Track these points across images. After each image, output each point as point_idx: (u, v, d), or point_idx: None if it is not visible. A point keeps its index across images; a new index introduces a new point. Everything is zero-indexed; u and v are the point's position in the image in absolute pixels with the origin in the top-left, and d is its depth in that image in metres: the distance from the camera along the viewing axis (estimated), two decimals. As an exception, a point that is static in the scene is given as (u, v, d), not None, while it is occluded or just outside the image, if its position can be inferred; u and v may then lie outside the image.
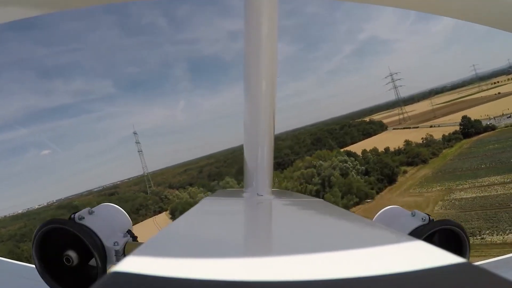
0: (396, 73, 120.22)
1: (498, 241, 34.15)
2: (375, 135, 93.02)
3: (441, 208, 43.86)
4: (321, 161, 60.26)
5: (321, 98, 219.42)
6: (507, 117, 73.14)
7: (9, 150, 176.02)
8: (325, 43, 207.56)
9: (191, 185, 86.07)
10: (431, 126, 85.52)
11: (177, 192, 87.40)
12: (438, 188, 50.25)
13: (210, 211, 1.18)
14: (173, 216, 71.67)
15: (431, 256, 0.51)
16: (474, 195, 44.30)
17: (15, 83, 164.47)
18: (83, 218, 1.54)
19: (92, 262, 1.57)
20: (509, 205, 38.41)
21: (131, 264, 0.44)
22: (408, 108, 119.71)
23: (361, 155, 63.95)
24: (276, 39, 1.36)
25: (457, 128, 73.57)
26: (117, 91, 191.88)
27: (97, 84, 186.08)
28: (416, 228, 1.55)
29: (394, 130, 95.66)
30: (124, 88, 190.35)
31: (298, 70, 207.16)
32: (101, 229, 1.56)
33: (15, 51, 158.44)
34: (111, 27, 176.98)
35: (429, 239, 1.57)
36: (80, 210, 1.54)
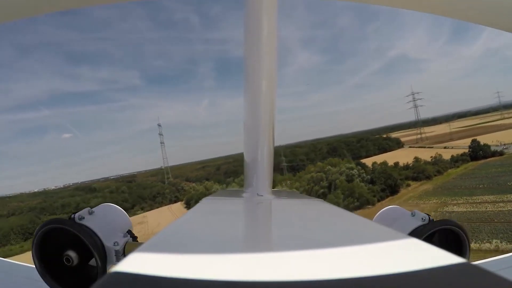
0: (417, 93, 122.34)
1: (474, 248, 37.75)
2: (390, 151, 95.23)
3: (432, 216, 46.58)
4: (330, 167, 64.78)
5: (344, 111, 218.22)
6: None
7: (30, 129, 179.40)
8: (353, 57, 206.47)
9: (207, 179, 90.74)
10: (445, 147, 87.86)
11: (193, 184, 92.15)
12: (434, 201, 54.46)
13: (210, 211, 1.21)
14: (188, 205, 76.08)
15: (431, 256, 0.51)
16: (465, 209, 48.30)
17: (43, 65, 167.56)
18: (83, 218, 1.57)
19: (92, 262, 1.61)
20: (493, 220, 42.33)
21: (131, 264, 0.45)
22: (428, 129, 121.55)
23: (370, 166, 68.25)
24: (276, 39, 1.42)
25: (467, 150, 77.00)
26: (143, 83, 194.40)
27: (123, 74, 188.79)
28: (416, 228, 1.58)
29: (409, 148, 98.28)
30: (150, 80, 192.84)
31: (323, 82, 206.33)
32: (101, 229, 1.60)
33: (47, 33, 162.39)
34: (143, 19, 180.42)
35: (429, 239, 1.61)
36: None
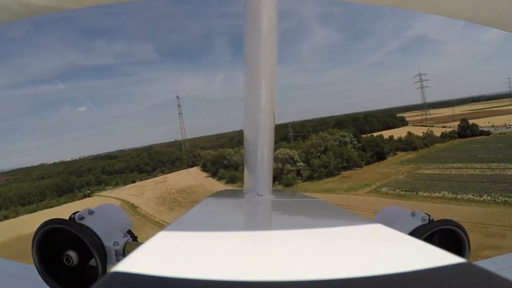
0: (424, 74, 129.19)
1: (425, 195, 48.44)
2: (394, 128, 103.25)
3: (404, 176, 58.70)
4: (327, 135, 75.84)
5: (358, 90, 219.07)
6: (507, 127, 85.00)
7: (46, 103, 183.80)
8: (371, 36, 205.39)
9: (221, 147, 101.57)
10: (443, 127, 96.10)
11: (209, 151, 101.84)
12: (411, 166, 64.67)
13: (211, 211, 1.24)
14: (204, 168, 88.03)
15: (431, 256, 0.52)
16: (432, 172, 58.66)
17: (58, 40, 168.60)
18: (83, 218, 1.58)
19: (92, 262, 1.63)
20: (451, 180, 52.03)
21: (131, 264, 0.46)
22: (437, 111, 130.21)
23: (364, 137, 79.41)
24: (276, 40, 1.44)
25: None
26: (158, 57, 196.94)
27: (138, 49, 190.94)
28: (416, 228, 1.60)
29: (412, 126, 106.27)
30: (165, 55, 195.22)
31: (339, 59, 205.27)
32: (101, 229, 1.60)
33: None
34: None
35: (429, 239, 1.63)
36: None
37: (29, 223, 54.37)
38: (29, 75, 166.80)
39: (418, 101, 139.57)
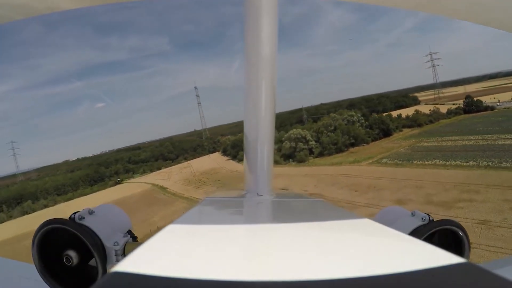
0: (435, 53, 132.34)
1: (419, 163, 54.75)
2: (406, 107, 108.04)
3: (404, 149, 65.19)
4: (336, 115, 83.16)
5: (375, 72, 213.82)
6: (508, 102, 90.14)
7: (64, 102, 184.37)
8: (386, 15, 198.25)
9: (240, 133, 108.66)
10: (453, 104, 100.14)
11: (228, 137, 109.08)
12: (413, 140, 71.08)
13: (211, 211, 1.26)
14: (225, 153, 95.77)
15: (431, 256, 0.53)
16: (431, 144, 65.21)
17: (72, 38, 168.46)
18: (83, 218, 1.60)
19: (92, 262, 1.63)
20: (445, 150, 58.39)
21: (131, 264, 0.47)
22: (451, 89, 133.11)
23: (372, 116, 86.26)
24: (276, 41, 1.45)
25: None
26: (172, 48, 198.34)
27: (152, 42, 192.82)
28: (416, 228, 1.63)
29: (425, 105, 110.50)
30: (180, 46, 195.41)
31: (355, 40, 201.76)
32: (101, 229, 1.62)
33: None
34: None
35: (429, 238, 1.64)
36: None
37: (67, 208, 63.88)
38: (45, 75, 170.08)
39: (433, 80, 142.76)
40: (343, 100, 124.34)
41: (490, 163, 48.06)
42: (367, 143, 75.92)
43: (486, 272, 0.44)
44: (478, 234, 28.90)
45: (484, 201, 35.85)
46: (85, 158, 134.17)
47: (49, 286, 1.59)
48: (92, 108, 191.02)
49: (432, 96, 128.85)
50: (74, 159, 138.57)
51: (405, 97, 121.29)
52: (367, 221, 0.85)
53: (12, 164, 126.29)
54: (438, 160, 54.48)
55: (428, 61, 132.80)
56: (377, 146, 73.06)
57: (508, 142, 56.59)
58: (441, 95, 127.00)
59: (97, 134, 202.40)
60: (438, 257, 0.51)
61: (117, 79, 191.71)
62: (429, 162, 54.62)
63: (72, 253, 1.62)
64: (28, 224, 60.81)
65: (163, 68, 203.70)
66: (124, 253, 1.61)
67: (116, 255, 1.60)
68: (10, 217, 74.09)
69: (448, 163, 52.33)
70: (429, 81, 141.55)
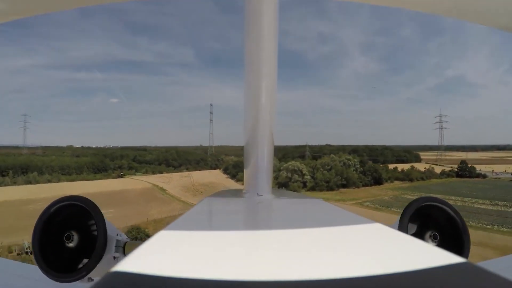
0: (445, 116, 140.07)
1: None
2: (406, 162, 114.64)
3: (388, 197, 72.01)
4: (335, 157, 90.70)
5: (391, 123, 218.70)
6: (499, 173, 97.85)
7: (81, 89, 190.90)
8: (410, 70, 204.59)
9: None
10: (451, 167, 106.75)
11: (232, 157, 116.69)
12: (399, 192, 77.86)
13: (211, 211, 1.27)
14: (226, 172, 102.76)
15: (431, 256, 0.53)
16: (414, 197, 71.36)
17: (101, 29, 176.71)
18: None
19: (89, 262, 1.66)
20: None
21: (131, 264, 0.47)
22: (455, 153, 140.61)
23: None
24: (276, 42, 1.46)
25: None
26: (196, 62, 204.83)
27: (178, 51, 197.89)
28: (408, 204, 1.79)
29: (425, 163, 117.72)
30: (204, 61, 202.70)
31: (376, 90, 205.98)
32: (108, 221, 1.73)
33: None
34: (208, 0, 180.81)
35: (420, 217, 1.78)
36: None
37: (69, 188, 71.82)
38: (69, 59, 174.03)
39: (445, 141, 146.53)
40: (348, 145, 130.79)
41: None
42: (358, 186, 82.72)
43: (486, 272, 0.44)
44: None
45: None
46: (89, 148, 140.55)
47: (37, 261, 1.63)
48: (106, 101, 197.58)
49: (435, 157, 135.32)
50: (78, 146, 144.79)
51: (407, 153, 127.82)
52: (366, 221, 0.87)
53: (18, 136, 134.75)
54: None
55: (437, 122, 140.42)
56: (365, 191, 79.71)
57: (483, 206, 63.42)
58: (443, 157, 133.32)
59: (105, 127, 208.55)
60: (438, 257, 0.52)
61: (137, 79, 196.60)
62: (381, 213, 60.39)
63: (74, 233, 1.71)
64: (32, 192, 67.98)
65: (183, 78, 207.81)
66: (124, 253, 1.73)
67: (116, 245, 1.74)
68: (14, 183, 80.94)
69: None
70: (436, 141, 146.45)
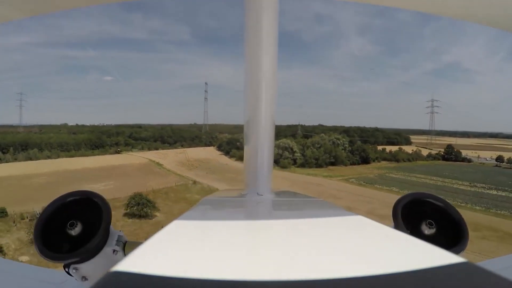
0: (436, 101, 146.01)
1: (380, 187, 67.51)
2: (397, 145, 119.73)
3: (373, 175, 77.15)
4: (325, 136, 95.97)
5: (384, 105, 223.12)
6: (486, 159, 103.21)
7: (74, 67, 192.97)
8: (407, 54, 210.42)
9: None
10: (439, 151, 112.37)
11: (225, 134, 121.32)
12: (385, 171, 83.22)
13: (211, 211, 1.28)
14: (219, 148, 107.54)
15: (431, 256, 0.54)
16: (397, 176, 77.06)
17: (95, 7, 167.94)
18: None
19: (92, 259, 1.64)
20: (407, 183, 70.45)
21: (131, 264, 0.47)
22: (446, 138, 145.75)
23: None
24: (277, 40, 1.46)
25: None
26: (192, 39, 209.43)
27: (174, 28, 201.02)
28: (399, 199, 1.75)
29: (415, 146, 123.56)
30: (199, 38, 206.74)
31: (372, 72, 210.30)
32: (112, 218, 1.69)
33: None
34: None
35: (413, 212, 1.74)
36: None
37: (69, 164, 77.22)
38: (63, 37, 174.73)
39: (439, 127, 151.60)
40: (341, 126, 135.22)
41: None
42: (346, 165, 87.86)
43: (486, 272, 0.44)
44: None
45: None
46: (83, 126, 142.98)
47: (37, 247, 1.57)
48: (100, 79, 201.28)
49: (425, 141, 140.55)
50: (73, 124, 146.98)
51: (398, 135, 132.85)
52: (367, 221, 0.87)
53: (12, 115, 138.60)
54: (394, 188, 65.91)
55: (428, 107, 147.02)
56: (352, 169, 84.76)
57: (462, 187, 68.68)
58: (433, 141, 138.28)
59: (99, 105, 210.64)
60: (438, 257, 0.52)
61: (131, 57, 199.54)
62: (386, 188, 66.26)
63: (78, 223, 1.66)
64: (34, 168, 72.52)
65: (179, 56, 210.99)
66: (124, 253, 1.70)
67: (117, 240, 1.70)
68: (15, 160, 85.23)
69: (401, 191, 63.24)
70: (432, 126, 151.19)
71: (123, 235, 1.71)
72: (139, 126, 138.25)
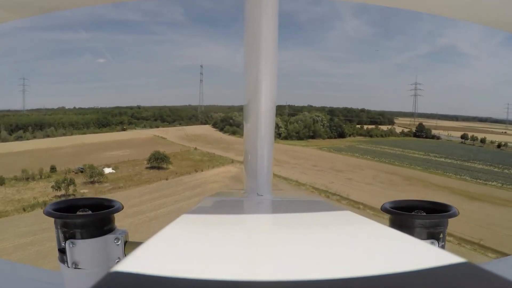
0: (419, 84, 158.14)
1: (349, 155, 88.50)
2: (380, 124, 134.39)
3: (344, 146, 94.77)
4: (306, 113, 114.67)
5: (377, 88, 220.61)
6: (453, 137, 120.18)
7: (66, 50, 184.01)
8: (402, 35, 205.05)
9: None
10: (410, 129, 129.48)
11: (220, 113, 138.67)
12: (355, 143, 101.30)
13: (210, 211, 1.29)
14: (214, 125, 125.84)
15: (431, 256, 0.55)
16: (364, 147, 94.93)
17: None
18: None
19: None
20: (371, 152, 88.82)
21: (131, 264, 0.49)
22: (431, 121, 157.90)
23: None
24: (277, 36, 1.51)
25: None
26: (186, 20, 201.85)
27: (167, 9, 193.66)
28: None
29: (397, 126, 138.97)
30: (193, 19, 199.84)
31: (366, 53, 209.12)
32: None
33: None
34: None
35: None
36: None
37: (87, 138, 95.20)
38: (53, 20, 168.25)
39: (429, 110, 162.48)
40: (329, 107, 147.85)
41: (386, 161, 78.47)
42: (323, 138, 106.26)
43: (486, 272, 0.45)
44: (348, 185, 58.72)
45: (361, 170, 66.54)
46: (81, 108, 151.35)
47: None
48: (93, 62, 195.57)
49: (408, 122, 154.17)
50: (70, 107, 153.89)
51: (381, 116, 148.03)
52: (367, 221, 0.89)
53: (9, 99, 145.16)
54: (357, 154, 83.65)
55: (412, 89, 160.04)
56: (328, 142, 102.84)
57: (415, 155, 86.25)
58: (416, 123, 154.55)
59: (94, 88, 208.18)
60: (438, 257, 0.53)
61: (124, 39, 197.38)
62: (350, 154, 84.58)
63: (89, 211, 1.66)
64: (56, 142, 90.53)
65: (172, 37, 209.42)
66: (124, 253, 1.70)
67: (120, 234, 1.68)
68: (34, 137, 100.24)
69: (361, 156, 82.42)
70: (422, 109, 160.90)
71: (126, 233, 1.74)
72: (138, 107, 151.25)
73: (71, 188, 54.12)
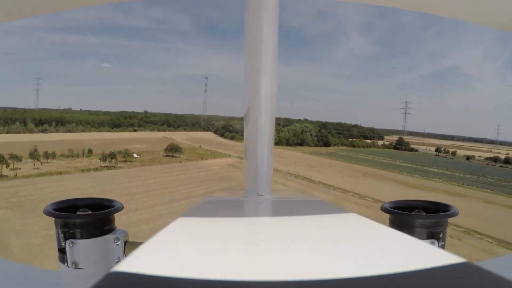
0: (410, 102, 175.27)
1: (327, 158, 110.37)
2: (370, 139, 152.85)
3: (325, 152, 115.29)
4: (296, 124, 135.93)
5: (379, 107, 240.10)
6: (429, 151, 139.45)
7: (73, 52, 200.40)
8: (406, 55, 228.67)
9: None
10: (390, 142, 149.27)
11: (221, 122, 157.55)
12: (336, 151, 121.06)
13: (210, 211, 1.33)
14: (216, 132, 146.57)
15: (431, 256, 0.57)
16: (344, 154, 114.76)
17: None
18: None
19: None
20: (348, 158, 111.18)
21: (131, 264, 0.50)
22: (420, 139, 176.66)
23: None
24: (277, 41, 1.57)
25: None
26: (193, 29, 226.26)
27: (175, 18, 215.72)
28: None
29: (386, 141, 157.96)
30: (201, 29, 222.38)
31: (370, 72, 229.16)
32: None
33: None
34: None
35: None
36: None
37: (106, 135, 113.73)
38: (62, 22, 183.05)
39: (427, 129, 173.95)
40: (325, 122, 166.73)
41: (355, 162, 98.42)
42: (310, 146, 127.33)
43: (486, 272, 0.46)
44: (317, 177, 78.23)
45: (329, 168, 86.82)
46: (87, 111, 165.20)
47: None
48: (98, 66, 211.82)
49: (397, 139, 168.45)
50: (78, 109, 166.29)
51: (371, 131, 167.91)
52: (367, 221, 0.91)
53: (13, 98, 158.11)
54: (334, 158, 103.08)
55: (403, 107, 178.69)
56: (313, 149, 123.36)
57: (385, 161, 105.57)
58: (405, 140, 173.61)
59: (99, 92, 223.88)
60: (438, 257, 0.55)
61: (131, 45, 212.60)
62: (329, 157, 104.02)
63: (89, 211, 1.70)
64: (78, 136, 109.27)
65: (179, 46, 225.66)
66: (124, 253, 1.73)
67: (120, 234, 1.72)
68: (57, 131, 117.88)
69: (336, 159, 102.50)
70: (416, 129, 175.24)
71: (126, 233, 1.76)
72: (146, 112, 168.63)
73: (113, 161, 74.97)
